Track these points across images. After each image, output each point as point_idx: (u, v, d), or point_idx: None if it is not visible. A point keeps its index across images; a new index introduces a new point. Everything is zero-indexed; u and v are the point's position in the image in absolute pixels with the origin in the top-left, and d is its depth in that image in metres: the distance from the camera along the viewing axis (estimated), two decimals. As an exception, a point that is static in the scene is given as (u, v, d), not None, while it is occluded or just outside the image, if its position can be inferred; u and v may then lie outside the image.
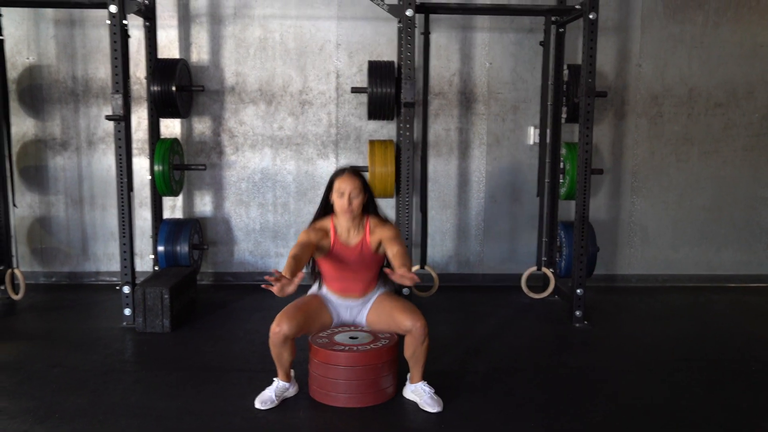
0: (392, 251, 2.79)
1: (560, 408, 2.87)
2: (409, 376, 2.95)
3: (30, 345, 3.60)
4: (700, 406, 2.91)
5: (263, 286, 2.52)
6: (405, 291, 3.90)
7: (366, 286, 3.01)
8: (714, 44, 4.80)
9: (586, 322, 4.01)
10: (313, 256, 2.96)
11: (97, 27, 4.65)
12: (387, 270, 2.66)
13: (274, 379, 2.90)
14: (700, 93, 4.85)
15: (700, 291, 4.84)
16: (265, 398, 2.84)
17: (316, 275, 3.07)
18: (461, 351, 3.55)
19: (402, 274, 2.55)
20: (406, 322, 2.80)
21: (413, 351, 2.84)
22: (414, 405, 2.86)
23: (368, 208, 2.95)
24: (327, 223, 2.95)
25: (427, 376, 2.93)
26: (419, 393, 2.87)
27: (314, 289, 3.09)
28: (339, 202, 2.86)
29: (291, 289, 2.50)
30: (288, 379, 2.91)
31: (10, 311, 4.22)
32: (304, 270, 2.75)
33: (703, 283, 4.99)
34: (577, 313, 4.01)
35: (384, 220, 2.99)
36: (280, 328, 2.74)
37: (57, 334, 3.78)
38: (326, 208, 2.97)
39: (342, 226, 2.94)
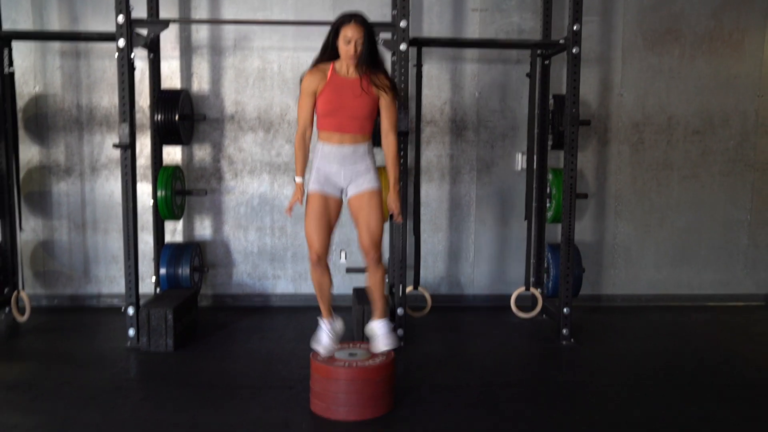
0: (385, 148, 3.19)
1: (547, 421, 3.04)
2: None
3: (38, 364, 3.73)
4: (678, 418, 3.08)
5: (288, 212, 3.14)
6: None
7: (360, 127, 3.08)
8: (690, 75, 5.06)
9: (572, 340, 4.19)
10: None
11: (102, 58, 4.84)
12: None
13: (321, 321, 3.16)
14: (679, 121, 5.10)
15: (682, 310, 5.04)
16: (325, 343, 3.10)
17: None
18: (453, 367, 3.72)
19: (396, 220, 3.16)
20: (364, 242, 3.09)
21: (371, 281, 3.17)
22: (410, 417, 3.02)
23: (372, 60, 3.04)
24: (327, 65, 3.09)
25: (423, 391, 3.10)
26: (373, 330, 3.13)
27: (312, 173, 3.14)
28: (344, 48, 2.99)
29: (301, 196, 3.12)
30: (331, 315, 3.19)
31: (15, 332, 4.34)
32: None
33: (684, 303, 5.19)
34: (564, 331, 4.19)
35: (386, 73, 3.12)
36: (317, 254, 3.06)
37: (63, 354, 3.90)
38: (327, 53, 3.09)
39: (341, 64, 3.07)
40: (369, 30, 3.04)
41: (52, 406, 3.12)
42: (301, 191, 3.15)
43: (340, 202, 3.18)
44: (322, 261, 3.09)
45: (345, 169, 3.11)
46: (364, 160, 3.13)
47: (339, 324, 3.24)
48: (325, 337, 3.16)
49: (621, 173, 5.13)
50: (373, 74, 3.10)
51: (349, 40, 2.97)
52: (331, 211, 3.13)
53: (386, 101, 3.12)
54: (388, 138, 3.20)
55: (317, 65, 3.13)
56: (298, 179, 3.15)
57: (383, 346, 3.06)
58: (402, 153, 4.08)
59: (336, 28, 3.03)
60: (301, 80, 3.16)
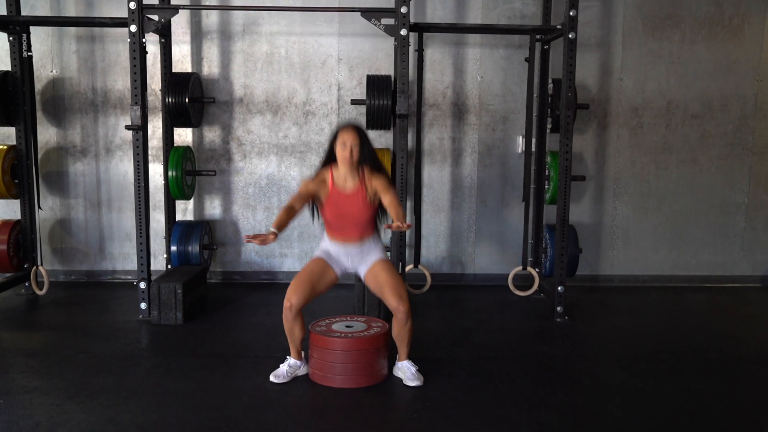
0: (386, 200, 3.20)
1: (535, 390, 3.20)
2: (397, 355, 3.30)
3: (56, 334, 3.96)
4: (656, 389, 3.22)
5: (245, 240, 3.08)
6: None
7: (363, 231, 3.29)
8: (690, 60, 5.13)
9: (567, 318, 4.33)
10: (315, 205, 3.32)
11: (116, 42, 5.01)
12: (386, 225, 3.10)
13: (287, 357, 3.29)
14: (678, 105, 5.18)
15: (678, 290, 5.16)
16: (280, 373, 3.24)
17: (321, 225, 3.39)
18: (449, 342, 3.88)
19: (398, 227, 2.98)
20: (392, 302, 3.16)
21: (398, 332, 3.21)
22: (401, 385, 3.19)
23: (365, 160, 3.24)
24: (326, 172, 3.29)
25: (417, 362, 3.27)
26: (404, 370, 3.24)
27: (320, 247, 3.37)
28: (341, 152, 3.19)
29: (270, 241, 2.95)
30: (299, 357, 3.29)
31: (35, 305, 4.57)
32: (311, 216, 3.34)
33: (681, 284, 5.31)
34: (559, 308, 4.33)
35: (379, 169, 3.29)
36: (290, 302, 3.14)
37: (80, 326, 4.12)
38: (329, 158, 3.30)
39: (340, 174, 3.27)
40: (363, 135, 3.24)
41: (68, 372, 3.33)
42: (271, 240, 2.97)
43: (335, 279, 3.33)
44: (293, 310, 3.16)
45: (352, 258, 3.33)
46: (371, 249, 3.34)
47: (303, 369, 3.31)
48: (284, 370, 3.25)
49: (620, 156, 5.23)
50: (371, 176, 3.25)
51: (345, 143, 3.19)
52: (323, 280, 3.27)
53: (381, 186, 3.24)
54: (387, 196, 3.24)
55: (319, 172, 3.31)
56: (273, 230, 3.00)
57: (419, 382, 3.20)
58: (403, 135, 4.23)
59: (335, 134, 3.26)
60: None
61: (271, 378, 3.23)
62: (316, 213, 3.38)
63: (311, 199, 3.27)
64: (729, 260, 5.35)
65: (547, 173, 4.83)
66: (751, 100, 5.18)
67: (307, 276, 3.23)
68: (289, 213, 3.11)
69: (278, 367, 3.29)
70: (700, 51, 5.13)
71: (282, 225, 3.03)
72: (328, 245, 3.36)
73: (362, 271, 3.34)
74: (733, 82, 5.16)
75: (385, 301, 3.23)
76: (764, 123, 5.22)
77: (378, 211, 3.34)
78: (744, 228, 5.32)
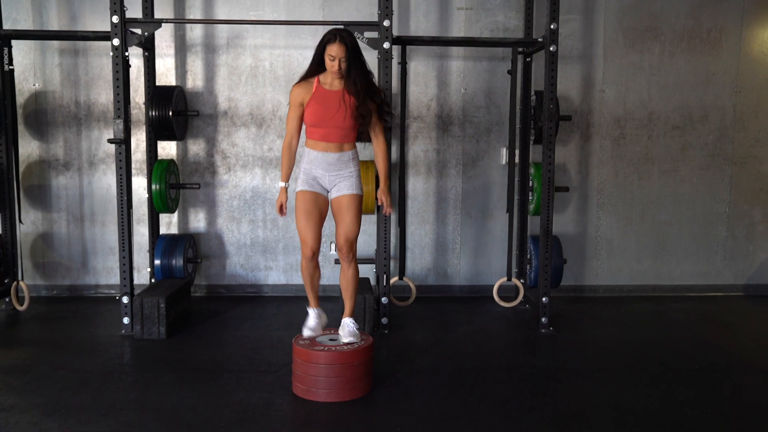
0: (376, 146, 3.46)
1: (519, 402, 3.20)
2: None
3: (35, 350, 3.90)
4: (641, 399, 3.24)
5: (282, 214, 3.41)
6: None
7: (344, 135, 3.31)
8: (670, 72, 5.19)
9: (551, 328, 4.34)
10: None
11: (99, 56, 5.00)
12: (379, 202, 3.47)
13: (309, 309, 3.41)
14: (659, 116, 5.23)
15: (662, 300, 5.19)
16: (312, 326, 3.35)
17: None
18: (433, 353, 3.87)
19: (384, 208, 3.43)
20: (339, 241, 3.33)
21: (343, 280, 3.43)
22: (385, 398, 3.18)
23: (355, 77, 3.21)
24: (313, 78, 3.32)
25: (400, 375, 3.27)
26: (343, 327, 3.35)
27: (300, 173, 3.36)
28: (330, 64, 3.21)
29: (285, 200, 3.38)
30: (318, 304, 3.42)
31: (15, 321, 4.52)
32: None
33: (664, 293, 5.34)
34: (543, 319, 4.34)
35: (373, 90, 3.31)
36: (311, 250, 3.29)
37: (60, 341, 4.07)
38: (317, 68, 3.31)
39: (327, 77, 3.30)
40: (352, 46, 3.21)
41: (46, 388, 3.28)
42: (284, 195, 3.40)
43: (326, 199, 3.40)
44: (315, 256, 3.33)
45: (330, 174, 3.34)
46: (348, 166, 3.36)
47: (324, 316, 3.47)
48: (313, 321, 3.39)
49: (603, 167, 5.27)
50: (364, 91, 3.28)
51: (333, 57, 3.19)
52: (320, 207, 3.36)
53: (377, 130, 3.41)
54: (378, 138, 3.47)
55: (305, 78, 3.35)
56: (282, 184, 3.41)
57: (352, 338, 3.29)
58: (388, 147, 4.23)
59: (323, 45, 3.24)
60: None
61: (305, 333, 3.32)
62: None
63: (302, 112, 3.32)
64: (711, 269, 5.39)
65: (530, 184, 4.85)
66: (730, 111, 5.25)
67: (309, 216, 3.30)
68: (291, 154, 3.35)
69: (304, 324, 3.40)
70: (679, 63, 5.19)
71: (290, 173, 3.37)
72: (306, 162, 3.35)
73: (333, 194, 3.38)
74: (712, 93, 5.23)
75: (336, 236, 3.38)
76: (743, 134, 5.29)
77: (358, 128, 3.35)
78: (726, 237, 5.37)
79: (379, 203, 3.54)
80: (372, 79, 3.34)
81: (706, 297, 5.30)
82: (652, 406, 3.15)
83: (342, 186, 3.35)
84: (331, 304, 4.79)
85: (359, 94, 3.24)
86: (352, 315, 3.43)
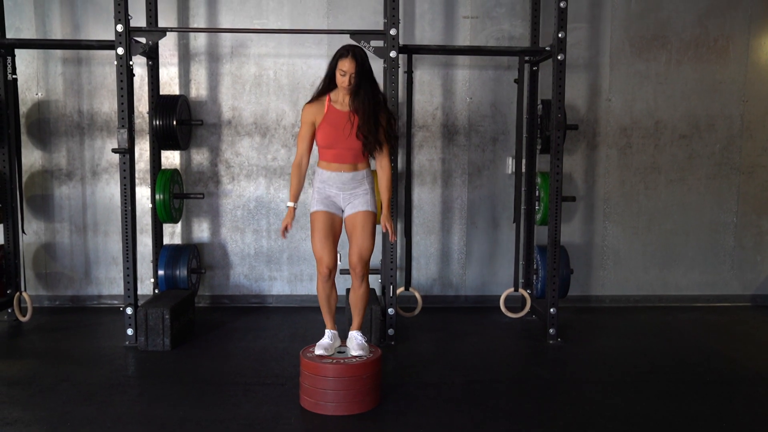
0: (378, 160, 3.37)
1: (529, 415, 3.15)
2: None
3: (39, 362, 3.85)
4: (652, 412, 3.19)
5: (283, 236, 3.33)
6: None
7: (356, 155, 3.28)
8: (677, 80, 5.17)
9: (559, 339, 4.30)
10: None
11: (102, 65, 4.97)
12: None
13: (326, 330, 3.33)
14: (666, 125, 5.21)
15: (668, 310, 5.15)
16: (325, 345, 3.26)
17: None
18: (441, 366, 3.83)
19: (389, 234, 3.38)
20: (353, 259, 3.28)
21: (353, 297, 3.38)
22: (394, 412, 3.13)
23: (364, 95, 3.20)
24: (324, 97, 3.29)
25: (409, 388, 3.23)
26: (351, 339, 3.31)
27: (314, 192, 3.34)
28: (340, 78, 3.20)
29: (292, 219, 3.32)
30: (334, 327, 3.35)
31: (17, 332, 4.47)
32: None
33: (671, 303, 5.30)
34: (551, 330, 4.30)
35: (384, 107, 3.30)
36: (328, 269, 3.24)
37: (63, 353, 4.02)
38: (327, 86, 3.29)
39: (338, 96, 3.28)
40: (363, 62, 3.20)
41: (50, 402, 3.24)
42: (291, 216, 3.33)
43: (341, 219, 3.37)
44: (333, 275, 3.29)
45: (344, 192, 3.32)
46: (362, 184, 3.34)
47: (338, 340, 3.39)
48: (327, 340, 3.30)
49: (609, 176, 5.24)
50: (374, 109, 3.25)
51: (344, 72, 3.18)
52: (335, 227, 3.34)
53: (383, 133, 3.32)
54: (382, 162, 3.40)
55: (316, 97, 3.32)
56: (290, 204, 3.34)
57: (361, 351, 3.25)
58: (394, 157, 4.21)
59: (335, 60, 3.23)
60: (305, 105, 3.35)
61: (317, 351, 3.23)
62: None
63: (314, 132, 3.29)
64: (719, 279, 5.35)
65: (537, 194, 4.82)
66: (738, 120, 5.23)
67: (324, 236, 3.27)
68: (301, 174, 3.29)
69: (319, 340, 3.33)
70: (686, 72, 5.17)
71: (299, 193, 3.29)
72: (321, 182, 3.31)
73: (347, 211, 3.34)
74: (719, 102, 5.21)
75: (349, 253, 3.32)
76: (751, 143, 5.26)
77: (373, 146, 3.29)
78: (733, 247, 5.33)
79: (384, 230, 3.45)
80: (381, 100, 3.31)
81: (714, 307, 5.26)
82: (665, 420, 3.10)
83: (356, 203, 3.32)
84: (337, 315, 4.76)
85: (365, 113, 3.22)
86: (360, 328, 3.39)
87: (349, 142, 3.24)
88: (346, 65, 3.16)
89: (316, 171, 3.38)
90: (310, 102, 3.31)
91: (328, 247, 3.26)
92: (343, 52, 3.20)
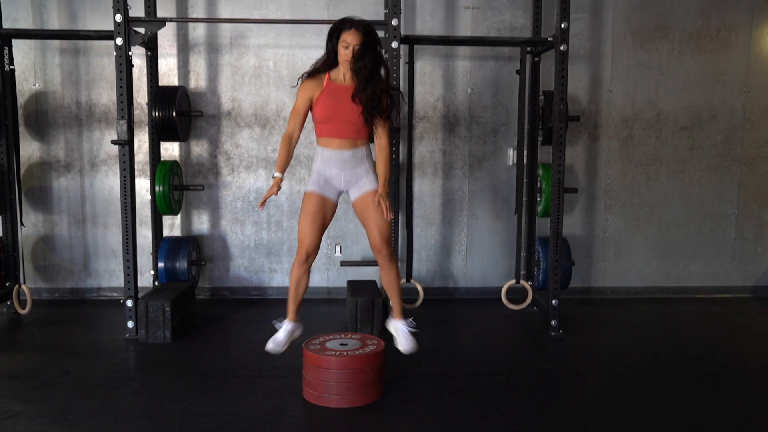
0: (378, 143, 3.24)
1: (530, 407, 3.14)
2: (391, 310, 3.30)
3: (39, 355, 3.83)
4: (658, 405, 3.18)
5: (261, 208, 3.21)
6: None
7: (357, 132, 3.17)
8: (679, 71, 5.14)
9: (561, 331, 4.29)
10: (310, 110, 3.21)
11: (101, 55, 4.93)
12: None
13: (284, 320, 3.25)
14: (668, 117, 5.18)
15: (670, 302, 5.14)
16: (279, 340, 3.19)
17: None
18: (443, 358, 3.82)
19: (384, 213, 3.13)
20: (376, 242, 3.17)
21: (385, 280, 3.26)
22: (399, 404, 3.12)
23: (367, 72, 3.08)
24: (323, 74, 3.18)
25: (412, 380, 3.21)
26: (397, 329, 3.26)
27: (312, 173, 3.27)
28: (343, 52, 3.08)
29: (277, 189, 3.14)
30: (296, 318, 3.27)
31: (17, 325, 4.45)
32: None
33: (672, 295, 5.30)
34: (553, 322, 4.29)
35: (386, 89, 3.17)
36: (307, 253, 3.17)
37: (64, 346, 4.00)
38: (328, 60, 3.17)
39: (338, 71, 3.17)
40: (368, 36, 3.08)
41: (52, 395, 3.22)
42: (277, 186, 3.17)
43: (335, 206, 3.29)
44: (310, 259, 3.21)
45: (345, 172, 3.22)
46: (363, 163, 3.24)
47: (299, 331, 3.31)
48: (282, 335, 3.22)
49: (611, 168, 5.22)
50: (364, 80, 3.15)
51: (347, 45, 3.06)
52: (326, 213, 3.25)
53: (382, 107, 3.19)
54: (381, 137, 3.27)
55: (314, 73, 3.21)
56: (277, 174, 3.18)
57: (403, 348, 3.20)
58: (395, 149, 4.18)
59: (338, 32, 3.09)
60: (299, 81, 3.23)
61: (270, 346, 3.17)
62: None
63: (308, 110, 3.17)
64: (720, 271, 5.35)
65: (539, 185, 4.80)
66: (739, 111, 5.21)
67: (313, 219, 3.18)
68: (290, 147, 3.14)
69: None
70: (688, 63, 5.15)
71: (286, 165, 3.11)
72: (319, 162, 3.22)
73: (353, 195, 3.25)
74: (721, 93, 5.19)
75: (368, 237, 3.21)
76: (752, 134, 5.24)
77: (373, 126, 3.22)
78: (734, 238, 5.33)
79: (376, 205, 3.20)
80: (383, 73, 3.19)
81: (715, 299, 5.26)
82: (670, 412, 3.10)
83: (361, 184, 3.23)
84: (337, 307, 4.76)
85: (364, 77, 3.08)
86: (403, 315, 3.28)
87: (350, 115, 3.12)
88: (349, 37, 3.04)
89: (316, 150, 3.28)
90: (307, 76, 3.18)
91: (313, 230, 3.17)
92: (346, 24, 3.06)
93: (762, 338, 4.31)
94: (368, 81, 3.10)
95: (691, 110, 5.19)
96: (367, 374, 3.10)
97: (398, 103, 3.30)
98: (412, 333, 3.26)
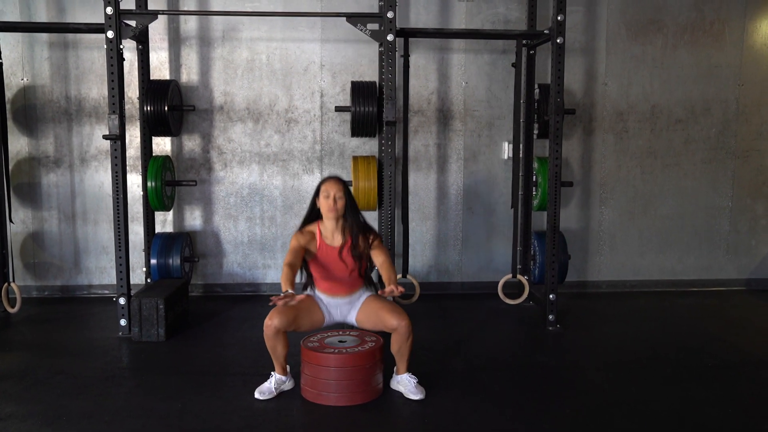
0: (378, 260, 3.20)
1: (531, 402, 3.12)
2: (395, 368, 3.21)
3: (30, 354, 3.76)
4: (658, 398, 3.18)
5: (271, 302, 2.84)
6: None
7: (351, 285, 3.26)
8: (673, 65, 5.13)
9: (558, 326, 4.28)
10: (304, 258, 3.20)
11: (90, 49, 4.85)
12: (380, 291, 3.05)
13: (272, 373, 3.17)
14: (662, 110, 5.18)
15: (665, 295, 5.15)
16: (264, 389, 3.12)
17: (308, 277, 3.31)
18: (441, 353, 3.79)
19: (390, 291, 2.90)
20: (392, 321, 3.06)
21: (399, 347, 3.12)
22: (398, 402, 3.09)
23: (349, 214, 3.20)
24: (314, 227, 3.25)
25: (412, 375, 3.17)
26: (404, 383, 3.16)
27: (308, 290, 3.32)
28: (325, 203, 3.16)
29: (294, 302, 2.89)
30: (284, 372, 3.18)
31: (6, 324, 4.37)
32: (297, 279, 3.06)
33: (667, 288, 5.30)
34: (550, 317, 4.28)
35: (366, 227, 3.25)
36: (271, 321, 3.01)
37: (56, 345, 3.93)
38: (313, 213, 3.27)
39: (327, 229, 3.22)
40: (346, 187, 3.22)
41: (44, 395, 3.16)
42: (292, 296, 2.89)
43: (321, 322, 3.25)
44: (273, 329, 3.02)
45: (341, 309, 3.27)
46: (359, 298, 3.29)
47: (289, 384, 3.22)
48: (269, 386, 3.15)
49: (606, 161, 5.21)
50: (360, 236, 3.20)
51: (328, 194, 3.16)
52: (309, 317, 3.18)
53: (378, 258, 3.23)
54: (380, 257, 3.23)
55: (304, 227, 3.26)
56: (290, 291, 2.89)
57: (421, 395, 3.12)
58: (390, 143, 4.14)
59: (318, 188, 3.22)
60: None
61: (256, 395, 3.12)
62: (305, 267, 3.28)
63: (304, 253, 3.18)
64: (714, 264, 5.36)
65: (534, 179, 4.78)
66: (733, 104, 5.21)
67: (297, 308, 3.09)
68: (293, 270, 3.03)
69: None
70: (682, 56, 5.14)
71: (293, 282, 2.97)
72: (317, 293, 3.30)
73: (353, 317, 3.28)
74: (715, 86, 5.19)
75: (385, 327, 3.11)
76: (746, 127, 5.25)
77: (367, 264, 3.29)
78: (728, 231, 5.33)
79: (386, 293, 2.98)
80: (364, 223, 3.27)
81: (709, 292, 5.27)
82: (671, 406, 3.09)
83: (358, 304, 3.26)
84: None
85: (356, 236, 3.19)
86: (409, 371, 3.21)
87: (342, 273, 3.21)
88: (328, 186, 3.17)
89: (315, 287, 3.30)
90: (298, 232, 3.22)
91: (287, 314, 3.02)
92: (324, 179, 3.23)
93: (758, 331, 4.31)
94: (355, 239, 3.20)
95: (686, 103, 5.18)
96: (367, 371, 3.06)
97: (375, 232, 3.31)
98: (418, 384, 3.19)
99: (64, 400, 3.10)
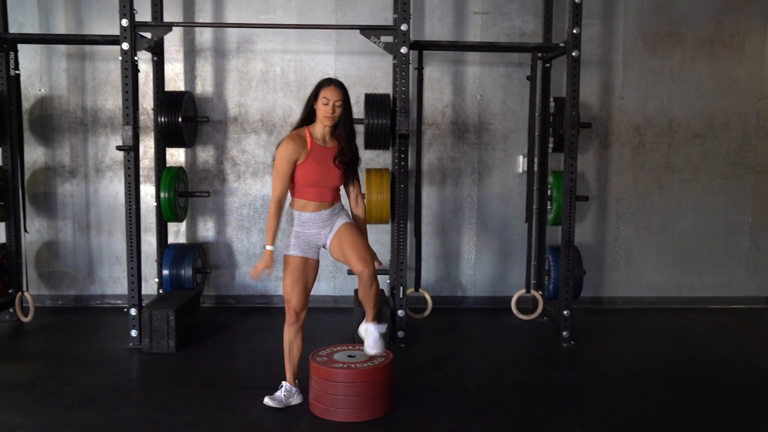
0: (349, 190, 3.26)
1: (545, 421, 3.06)
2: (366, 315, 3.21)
3: (41, 364, 3.77)
4: (674, 418, 3.10)
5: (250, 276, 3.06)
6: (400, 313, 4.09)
7: (335, 193, 3.19)
8: (691, 78, 5.07)
9: (572, 342, 4.20)
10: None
11: (107, 60, 4.88)
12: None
13: (283, 382, 3.18)
14: (680, 124, 5.10)
15: (683, 312, 5.05)
16: (277, 397, 3.14)
17: (291, 187, 3.18)
18: (452, 369, 3.73)
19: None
20: (357, 266, 3.07)
21: (363, 294, 3.15)
22: (407, 418, 3.04)
23: (344, 125, 3.12)
24: (303, 131, 3.12)
25: (421, 393, 3.13)
26: (368, 333, 3.16)
27: (290, 236, 3.19)
28: (323, 108, 3.05)
29: (270, 264, 3.07)
30: (294, 383, 3.19)
31: (19, 333, 4.38)
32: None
33: (685, 305, 5.20)
34: (564, 333, 4.20)
35: (353, 137, 3.18)
36: (296, 313, 3.13)
37: (67, 355, 3.94)
38: (308, 117, 3.15)
39: (317, 132, 3.12)
40: (346, 93, 3.12)
41: (53, 406, 3.15)
42: (271, 259, 3.08)
43: (317, 262, 3.22)
44: (300, 318, 3.12)
45: (324, 229, 3.18)
46: (339, 215, 3.21)
47: (297, 397, 3.21)
48: (281, 394, 3.16)
49: (622, 176, 5.13)
50: (346, 143, 3.16)
51: (327, 100, 3.05)
52: (309, 273, 3.18)
53: (354, 170, 3.22)
54: (359, 204, 3.29)
55: (294, 132, 3.16)
56: (269, 247, 3.08)
57: (371, 350, 3.12)
58: (404, 156, 4.12)
59: (316, 90, 3.11)
60: (278, 146, 3.13)
61: (266, 401, 3.12)
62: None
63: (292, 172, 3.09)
64: (734, 281, 5.25)
65: (549, 193, 4.72)
66: (753, 119, 5.12)
67: (297, 281, 3.12)
68: (279, 217, 3.08)
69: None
70: (701, 69, 5.07)
71: (275, 236, 3.03)
72: (297, 225, 3.15)
73: (329, 239, 3.18)
74: (734, 100, 5.10)
75: (349, 265, 3.12)
76: (766, 142, 5.15)
77: (350, 176, 3.24)
78: (748, 248, 5.23)
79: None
80: (355, 132, 3.22)
81: (728, 309, 5.16)
82: (688, 426, 3.01)
83: (334, 227, 3.18)
84: (344, 316, 4.69)
85: (347, 143, 3.14)
86: (376, 320, 3.18)
87: (333, 179, 3.14)
88: (329, 93, 3.05)
89: (289, 213, 3.19)
90: (288, 138, 3.11)
91: (299, 293, 3.10)
92: (325, 82, 3.11)
93: (778, 350, 4.21)
94: (349, 143, 3.16)
95: (704, 117, 5.10)
96: (376, 387, 3.02)
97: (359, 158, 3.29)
98: (382, 335, 3.18)
99: (73, 412, 3.09)
